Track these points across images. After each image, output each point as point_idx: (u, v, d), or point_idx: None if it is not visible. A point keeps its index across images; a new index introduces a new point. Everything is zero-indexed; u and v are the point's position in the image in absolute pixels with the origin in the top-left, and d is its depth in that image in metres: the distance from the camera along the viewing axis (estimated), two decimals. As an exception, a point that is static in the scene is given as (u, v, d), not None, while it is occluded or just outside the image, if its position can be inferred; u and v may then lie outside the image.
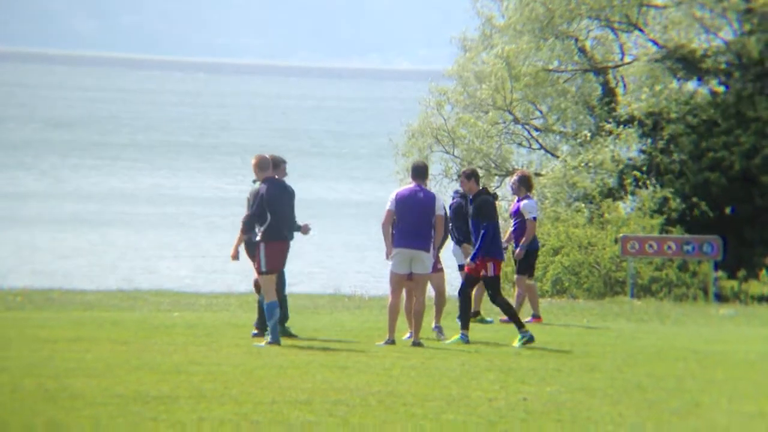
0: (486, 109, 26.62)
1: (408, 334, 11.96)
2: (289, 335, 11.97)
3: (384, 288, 23.50)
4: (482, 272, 11.75)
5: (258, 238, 11.28)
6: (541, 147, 27.40)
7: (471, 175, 11.92)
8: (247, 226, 11.34)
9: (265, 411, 7.90)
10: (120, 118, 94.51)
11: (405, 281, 11.61)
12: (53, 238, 35.66)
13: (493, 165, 26.75)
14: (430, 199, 11.36)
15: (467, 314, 11.91)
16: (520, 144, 27.20)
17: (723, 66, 25.99)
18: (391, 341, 11.56)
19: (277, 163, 11.84)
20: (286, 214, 11.36)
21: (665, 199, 24.48)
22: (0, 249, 32.64)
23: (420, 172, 11.47)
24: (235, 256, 11.52)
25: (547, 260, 22.31)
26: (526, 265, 14.05)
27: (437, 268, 12.19)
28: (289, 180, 12.02)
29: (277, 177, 11.66)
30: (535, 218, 13.93)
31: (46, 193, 47.92)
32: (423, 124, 26.26)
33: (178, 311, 15.09)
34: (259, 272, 11.37)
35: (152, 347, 11.10)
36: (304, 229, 11.74)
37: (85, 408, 7.87)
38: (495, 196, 11.97)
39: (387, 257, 11.53)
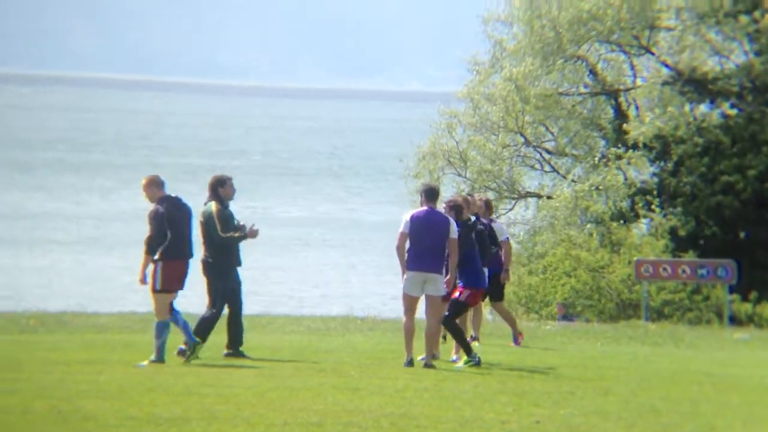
0: (497, 131, 26.65)
1: (423, 357, 11.93)
2: (243, 357, 11.95)
3: (397, 310, 23.41)
4: (455, 294, 11.73)
5: (156, 257, 11.26)
6: (553, 169, 27.39)
7: (453, 207, 11.95)
8: (151, 248, 11.32)
9: (277, 433, 7.86)
10: (127, 139, 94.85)
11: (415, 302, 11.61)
12: (75, 260, 35.68)
13: (504, 187, 26.75)
14: (444, 222, 11.41)
15: (464, 339, 11.90)
16: (531, 167, 27.20)
17: (735, 88, 25.97)
18: (409, 361, 11.52)
19: (223, 182, 11.94)
20: (185, 233, 11.39)
21: (677, 224, 24.43)
22: (18, 272, 32.70)
23: (432, 195, 11.54)
24: (143, 280, 11.42)
25: (558, 284, 22.26)
26: (501, 290, 13.97)
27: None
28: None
29: (225, 196, 11.83)
30: (507, 239, 13.87)
31: (64, 215, 48.02)
32: (434, 146, 26.31)
33: (189, 333, 15.03)
34: (153, 290, 11.31)
35: (164, 369, 11.07)
36: (251, 233, 11.74)
37: (97, 430, 7.85)
38: (468, 220, 11.97)
39: (402, 278, 11.57)
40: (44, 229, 43.22)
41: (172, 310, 11.53)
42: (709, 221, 24.78)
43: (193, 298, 12.36)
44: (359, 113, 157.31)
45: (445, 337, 12.57)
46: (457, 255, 11.49)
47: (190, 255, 11.46)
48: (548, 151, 27.51)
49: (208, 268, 11.85)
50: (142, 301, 27.33)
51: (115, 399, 9.08)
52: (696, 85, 25.94)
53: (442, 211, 11.79)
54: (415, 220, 11.35)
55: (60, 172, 65.93)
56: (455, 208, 11.94)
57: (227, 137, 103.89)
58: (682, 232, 24.21)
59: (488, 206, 13.95)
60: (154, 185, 11.41)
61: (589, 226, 24.83)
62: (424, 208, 11.44)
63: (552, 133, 27.30)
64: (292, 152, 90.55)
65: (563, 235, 24.23)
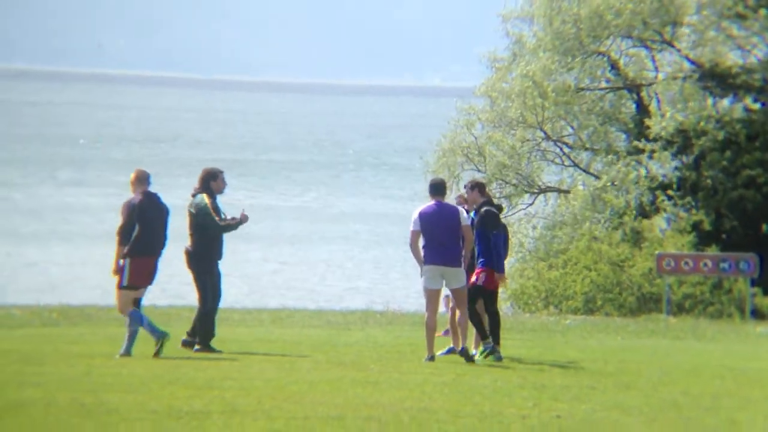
0: (515, 126, 26.59)
1: (445, 349, 11.92)
2: (214, 351, 11.92)
3: (415, 303, 23.43)
4: (472, 279, 11.72)
5: (124, 252, 11.28)
6: (573, 164, 27.30)
7: (474, 186, 11.90)
8: (123, 238, 11.31)
9: (297, 427, 7.90)
10: (162, 136, 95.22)
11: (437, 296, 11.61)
12: (104, 254, 35.82)
13: (524, 182, 26.68)
14: (454, 212, 11.43)
15: (482, 326, 11.88)
16: (552, 161, 27.12)
17: (757, 83, 25.80)
18: (431, 357, 11.53)
19: (215, 175, 11.91)
20: (157, 230, 11.37)
21: (700, 218, 24.30)
22: (49, 265, 32.93)
23: (439, 188, 11.55)
24: (116, 271, 11.41)
25: (578, 278, 22.19)
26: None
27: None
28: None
29: (215, 189, 11.80)
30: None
31: (99, 208, 48.29)
32: (453, 143, 26.28)
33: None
34: (119, 286, 11.35)
35: (186, 362, 11.13)
36: (243, 217, 11.77)
37: (120, 423, 7.91)
38: (499, 208, 11.95)
39: (420, 274, 11.58)
40: (85, 224, 43.42)
41: (138, 306, 11.52)
42: (730, 215, 24.65)
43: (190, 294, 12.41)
44: (388, 108, 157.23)
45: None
46: (471, 242, 11.47)
47: (160, 252, 11.45)
48: (568, 146, 27.43)
49: (195, 260, 11.78)
50: (162, 294, 27.50)
51: (137, 392, 9.14)
52: (718, 80, 25.80)
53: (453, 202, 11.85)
54: (424, 216, 11.37)
55: (101, 167, 66.00)
56: (478, 186, 11.86)
57: (255, 132, 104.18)
58: (705, 227, 24.09)
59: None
60: (139, 180, 11.46)
61: (608, 220, 24.75)
62: (432, 202, 11.45)
63: (572, 128, 27.21)
64: (325, 146, 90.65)
65: (583, 230, 24.16)
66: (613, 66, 27.22)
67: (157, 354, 11.43)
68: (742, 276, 20.70)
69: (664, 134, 25.18)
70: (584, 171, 26.88)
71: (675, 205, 25.01)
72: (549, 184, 27.13)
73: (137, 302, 11.53)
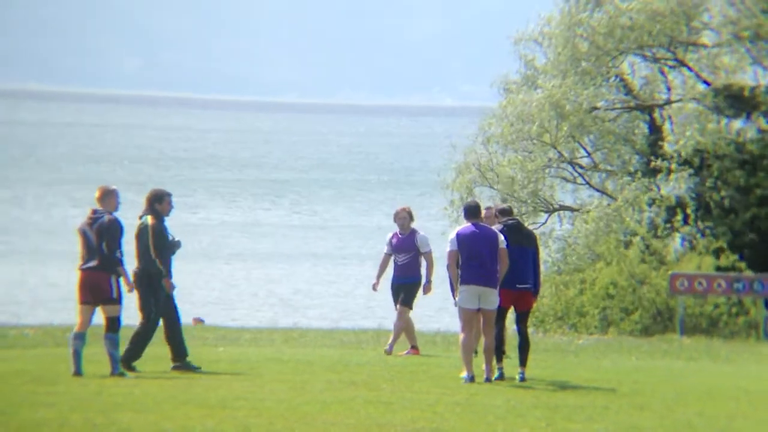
0: (530, 148, 26.60)
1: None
2: (192, 368, 11.90)
3: (429, 322, 23.34)
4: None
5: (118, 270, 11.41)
6: (587, 183, 27.28)
7: (499, 213, 12.04)
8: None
9: (310, 447, 7.85)
10: (169, 155, 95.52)
11: (475, 316, 11.59)
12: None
13: (539, 201, 26.67)
14: (492, 235, 11.54)
15: (500, 349, 11.88)
16: (566, 180, 27.11)
17: (772, 103, 25.77)
18: (471, 377, 11.52)
19: (161, 197, 12.01)
20: (92, 246, 11.44)
21: (716, 238, 24.23)
22: (57, 286, 33.01)
23: (474, 211, 11.66)
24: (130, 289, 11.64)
25: (595, 296, 22.10)
26: (412, 297, 13.94)
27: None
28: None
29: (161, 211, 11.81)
30: (430, 251, 13.85)
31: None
32: (468, 161, 26.33)
33: (222, 346, 15.13)
34: (118, 300, 11.49)
35: (198, 382, 11.12)
36: (167, 285, 11.91)
37: (131, 442, 7.88)
38: (514, 225, 11.86)
39: (453, 296, 11.63)
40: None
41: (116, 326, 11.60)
42: (745, 235, 24.57)
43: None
44: (401, 129, 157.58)
45: (476, 352, 12.56)
46: (507, 264, 11.54)
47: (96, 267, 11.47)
48: (581, 167, 27.43)
49: (141, 281, 11.85)
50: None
51: (149, 412, 9.13)
52: (732, 100, 25.77)
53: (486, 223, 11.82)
54: (462, 237, 11.48)
55: (121, 187, 66.01)
56: (502, 212, 11.93)
57: (267, 151, 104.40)
58: (723, 247, 23.99)
59: (411, 216, 13.91)
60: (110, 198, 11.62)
61: (626, 238, 24.69)
62: (469, 224, 11.54)
63: (585, 149, 27.22)
64: (338, 165, 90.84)
65: (600, 249, 24.10)
66: (627, 87, 27.23)
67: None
68: (756, 296, 20.57)
69: (683, 153, 25.13)
70: (599, 191, 26.86)
71: (688, 224, 24.94)
72: (562, 203, 27.11)
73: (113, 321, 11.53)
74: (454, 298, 11.70)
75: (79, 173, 74.62)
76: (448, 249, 11.49)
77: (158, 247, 11.80)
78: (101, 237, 11.41)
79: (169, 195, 12.07)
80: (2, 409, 9.22)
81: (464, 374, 11.63)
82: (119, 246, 11.46)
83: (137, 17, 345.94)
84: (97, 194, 11.68)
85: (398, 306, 13.98)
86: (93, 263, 11.43)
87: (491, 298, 11.44)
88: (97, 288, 11.40)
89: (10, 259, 38.80)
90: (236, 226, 51.39)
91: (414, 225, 13.92)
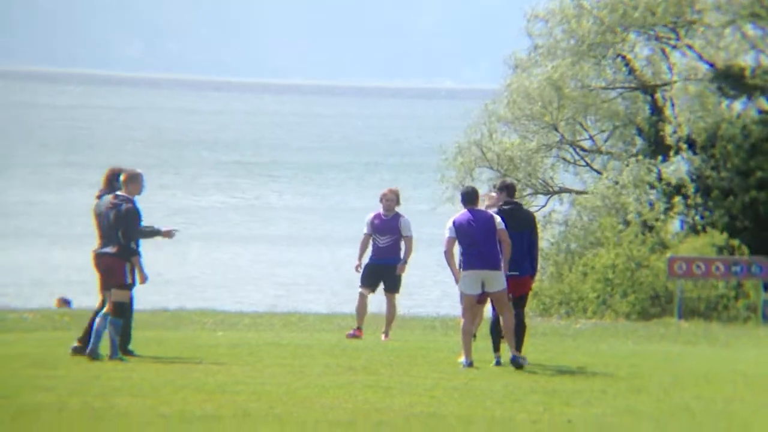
0: (532, 129, 26.54)
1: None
2: (133, 354, 11.76)
3: (427, 307, 23.32)
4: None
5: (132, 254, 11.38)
6: (588, 165, 27.23)
7: (503, 188, 11.96)
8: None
9: (308, 431, 7.89)
10: (186, 138, 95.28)
11: (476, 302, 11.59)
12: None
13: (539, 184, 26.63)
14: (489, 217, 11.53)
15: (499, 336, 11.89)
16: (567, 161, 27.06)
17: (773, 85, 25.67)
18: (470, 363, 11.52)
19: (120, 175, 11.69)
20: (110, 232, 11.45)
21: (715, 220, 24.21)
22: (58, 268, 32.99)
23: (471, 197, 11.65)
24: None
25: (594, 279, 22.11)
26: (398, 282, 13.92)
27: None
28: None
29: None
30: (411, 236, 13.84)
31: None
32: (470, 141, 26.28)
33: (222, 331, 15.16)
34: (130, 286, 11.48)
35: (197, 367, 11.15)
36: (166, 233, 11.79)
37: (130, 427, 7.93)
38: (512, 208, 11.81)
39: (456, 282, 11.62)
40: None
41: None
42: (744, 218, 24.53)
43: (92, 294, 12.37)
44: (409, 110, 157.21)
45: (475, 335, 12.58)
46: (509, 245, 11.54)
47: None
48: (582, 149, 27.37)
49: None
50: (173, 298, 27.54)
51: (147, 396, 9.16)
52: (733, 81, 25.67)
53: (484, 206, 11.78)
54: (459, 223, 11.48)
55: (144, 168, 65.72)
56: (506, 187, 11.86)
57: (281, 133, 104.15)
58: (721, 230, 23.96)
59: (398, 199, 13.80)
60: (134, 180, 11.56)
61: (626, 218, 24.65)
62: (465, 210, 11.54)
63: (587, 131, 27.15)
64: (347, 147, 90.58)
65: (598, 233, 24.09)
66: (629, 67, 27.14)
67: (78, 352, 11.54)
68: (754, 279, 20.59)
69: (684, 135, 25.07)
70: (600, 173, 26.80)
71: (688, 206, 24.91)
72: (563, 186, 27.09)
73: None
74: (457, 283, 11.71)
75: (84, 155, 74.43)
76: (446, 236, 11.47)
77: (127, 230, 11.51)
78: (118, 225, 11.34)
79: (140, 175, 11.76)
80: (2, 392, 9.25)
81: (462, 359, 11.64)
82: (136, 235, 11.36)
83: (140, 2, 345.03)
84: (122, 177, 11.52)
85: (386, 293, 13.93)
86: (109, 249, 11.40)
87: (496, 280, 11.42)
88: (111, 273, 11.39)
89: (13, 241, 38.80)
90: (243, 209, 51.34)
91: (398, 208, 13.84)
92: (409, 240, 13.81)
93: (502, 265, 11.48)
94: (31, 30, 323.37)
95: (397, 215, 13.84)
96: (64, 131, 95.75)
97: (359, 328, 14.04)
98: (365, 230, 13.84)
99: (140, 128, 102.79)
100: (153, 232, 11.79)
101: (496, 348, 11.86)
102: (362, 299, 14.01)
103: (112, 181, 11.73)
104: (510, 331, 11.55)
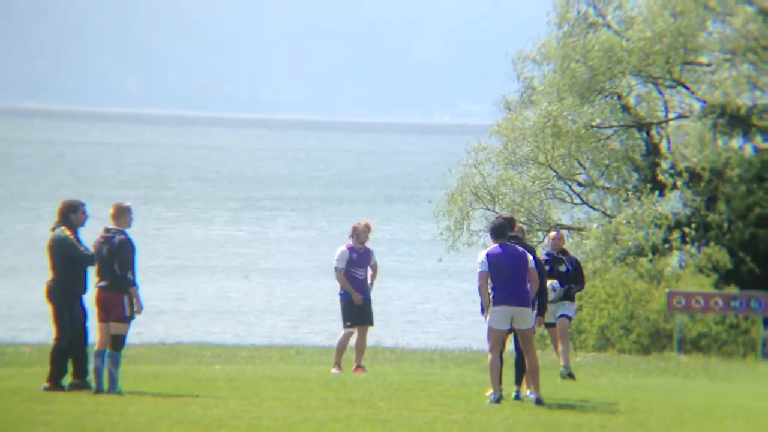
0: (527, 166, 26.59)
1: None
2: (89, 387, 11.64)
3: (425, 341, 23.18)
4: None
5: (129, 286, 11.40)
6: (584, 202, 27.27)
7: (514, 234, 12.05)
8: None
9: (305, 465, 7.81)
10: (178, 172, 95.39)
11: (503, 336, 11.55)
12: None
13: (535, 221, 26.64)
14: (521, 254, 11.56)
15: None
16: (563, 200, 27.09)
17: (768, 123, 25.80)
18: (498, 398, 11.46)
19: (75, 207, 11.65)
20: (105, 265, 11.44)
21: (714, 256, 24.22)
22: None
23: (501, 232, 11.65)
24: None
25: (593, 313, 22.07)
26: (372, 314, 14.03)
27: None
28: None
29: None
30: (336, 268, 13.83)
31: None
32: (462, 183, 26.26)
33: (219, 364, 15.08)
34: (128, 319, 11.46)
35: (193, 401, 11.08)
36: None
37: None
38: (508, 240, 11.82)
39: (485, 316, 11.63)
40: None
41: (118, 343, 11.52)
42: (743, 254, 24.55)
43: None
44: (402, 146, 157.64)
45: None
46: (537, 284, 11.60)
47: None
48: (579, 184, 27.44)
49: (55, 294, 11.58)
50: (171, 331, 27.42)
51: (144, 431, 9.07)
52: (729, 119, 25.80)
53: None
54: (492, 258, 11.48)
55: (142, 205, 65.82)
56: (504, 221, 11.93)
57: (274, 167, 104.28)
58: (722, 262, 23.96)
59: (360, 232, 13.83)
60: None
61: (624, 257, 24.66)
62: (496, 244, 11.55)
63: (584, 167, 27.23)
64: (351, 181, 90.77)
65: (597, 266, 24.08)
66: (624, 105, 27.27)
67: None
68: (753, 314, 20.55)
69: (675, 170, 25.13)
70: (595, 210, 26.84)
71: (685, 243, 24.92)
72: (560, 222, 27.09)
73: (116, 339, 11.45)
74: (484, 316, 11.65)
75: (84, 191, 74.44)
76: (479, 270, 11.48)
77: (81, 257, 11.45)
78: (112, 257, 11.35)
79: (83, 205, 11.75)
80: (-3, 427, 9.18)
81: (489, 393, 11.56)
82: (132, 266, 11.37)
83: (138, 37, 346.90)
84: (111, 211, 11.57)
85: (365, 326, 13.88)
86: (105, 282, 11.39)
87: (525, 317, 11.41)
88: (110, 306, 11.37)
89: (13, 275, 38.73)
90: (243, 240, 51.30)
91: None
92: (376, 266, 13.93)
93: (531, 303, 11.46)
94: (25, 66, 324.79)
95: (368, 248, 13.88)
96: (66, 167, 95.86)
97: (339, 365, 13.98)
98: (341, 265, 13.75)
99: (140, 164, 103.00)
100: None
101: (518, 382, 11.84)
102: (350, 337, 13.97)
103: (66, 213, 11.69)
104: (535, 372, 11.54)
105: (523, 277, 11.43)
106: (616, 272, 23.49)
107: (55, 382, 11.60)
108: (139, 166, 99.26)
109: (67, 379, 11.68)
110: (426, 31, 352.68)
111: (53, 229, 11.74)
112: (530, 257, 11.57)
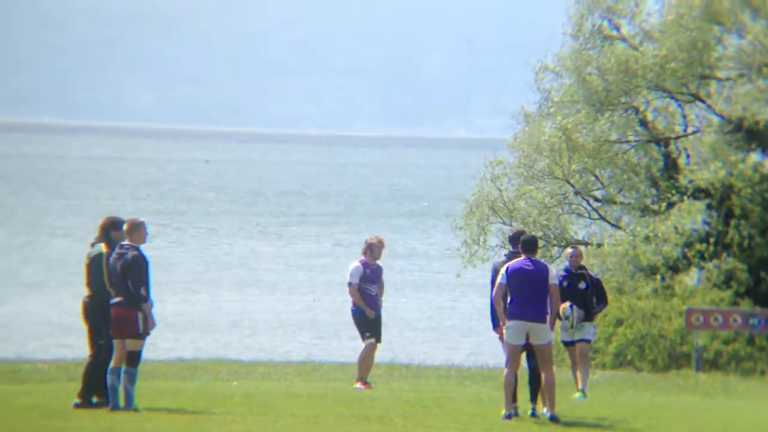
0: (544, 180, 26.51)
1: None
2: (93, 405, 11.58)
3: (439, 357, 23.12)
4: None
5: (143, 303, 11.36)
6: (602, 218, 27.16)
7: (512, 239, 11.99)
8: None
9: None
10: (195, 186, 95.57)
11: (519, 352, 11.49)
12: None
13: (552, 236, 26.55)
14: (543, 269, 11.49)
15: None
16: (580, 215, 26.98)
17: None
18: (511, 414, 11.40)
19: (117, 224, 11.63)
20: (119, 282, 11.42)
21: (732, 272, 24.06)
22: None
23: (530, 246, 11.59)
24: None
25: (610, 331, 21.96)
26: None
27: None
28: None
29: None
30: (350, 283, 13.75)
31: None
32: (479, 197, 26.22)
33: (236, 380, 15.08)
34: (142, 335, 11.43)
35: (210, 417, 11.07)
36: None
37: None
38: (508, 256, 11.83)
39: (496, 331, 11.59)
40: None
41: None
42: (763, 271, 24.39)
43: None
44: (415, 159, 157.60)
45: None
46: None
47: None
48: (596, 199, 27.33)
49: (92, 311, 11.55)
50: (187, 347, 27.42)
51: (161, 447, 9.07)
52: (748, 134, 25.69)
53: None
54: (512, 272, 11.42)
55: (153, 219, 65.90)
56: (515, 239, 11.86)
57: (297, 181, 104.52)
58: (742, 277, 23.81)
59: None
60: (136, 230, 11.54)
61: (639, 274, 24.52)
62: (521, 258, 11.49)
63: (601, 183, 27.12)
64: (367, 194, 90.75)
65: (613, 283, 23.96)
66: (641, 120, 27.19)
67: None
68: (772, 332, 20.39)
69: (694, 185, 25.01)
70: (613, 225, 26.72)
71: (703, 259, 24.78)
72: (577, 238, 27.00)
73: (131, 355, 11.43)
74: (495, 331, 11.58)
75: (104, 205, 74.70)
76: (498, 281, 11.41)
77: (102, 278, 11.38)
78: (126, 274, 11.34)
79: (124, 222, 11.68)
80: (15, 443, 9.19)
81: (504, 411, 11.50)
82: (145, 282, 11.34)
83: (152, 52, 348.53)
84: (125, 227, 11.56)
85: (375, 342, 13.79)
86: (120, 299, 11.37)
87: (542, 333, 11.34)
88: (124, 323, 11.35)
89: (31, 290, 38.88)
90: (266, 256, 51.37)
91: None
92: (382, 284, 13.88)
93: (549, 318, 11.38)
94: (37, 81, 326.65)
95: (378, 264, 13.87)
96: (82, 181, 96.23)
97: (366, 381, 13.94)
98: (355, 280, 13.70)
99: (156, 178, 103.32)
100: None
101: (533, 399, 11.77)
102: (373, 350, 13.93)
103: (107, 230, 11.68)
104: (551, 389, 11.45)
105: (541, 292, 11.33)
106: (632, 288, 23.38)
107: (86, 398, 11.56)
108: (165, 182, 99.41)
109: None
110: (440, 45, 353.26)
111: (92, 244, 11.71)
112: (553, 273, 11.48)
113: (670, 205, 25.45)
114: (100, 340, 11.61)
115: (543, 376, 11.49)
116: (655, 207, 25.82)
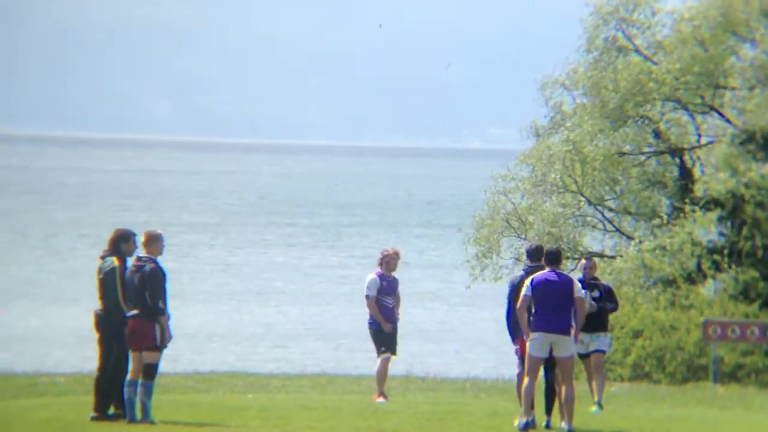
0: (556, 192, 26.46)
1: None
2: (109, 417, 11.58)
3: (456, 370, 23.07)
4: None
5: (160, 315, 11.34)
6: (617, 229, 27.07)
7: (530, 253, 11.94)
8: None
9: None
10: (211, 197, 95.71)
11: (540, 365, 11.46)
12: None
13: (566, 248, 26.48)
14: (568, 282, 11.47)
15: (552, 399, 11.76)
16: (594, 226, 26.90)
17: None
18: (527, 423, 11.39)
19: (127, 237, 11.64)
20: (136, 294, 11.41)
21: (749, 284, 23.94)
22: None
23: (554, 258, 11.59)
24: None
25: (628, 343, 21.87)
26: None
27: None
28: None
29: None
30: (367, 296, 13.71)
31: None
32: (492, 211, 26.15)
33: (252, 393, 15.08)
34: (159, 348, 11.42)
35: (226, 430, 11.06)
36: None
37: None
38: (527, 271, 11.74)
39: (513, 341, 11.57)
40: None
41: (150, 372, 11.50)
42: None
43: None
44: (430, 170, 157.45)
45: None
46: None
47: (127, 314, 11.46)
48: (611, 210, 27.25)
49: (104, 324, 11.53)
50: (205, 359, 27.43)
51: (177, 460, 9.07)
52: (763, 145, 25.59)
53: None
54: (537, 284, 11.41)
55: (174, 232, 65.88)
56: (528, 251, 11.88)
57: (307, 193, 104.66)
58: (760, 287, 23.67)
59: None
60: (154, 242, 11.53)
61: (655, 286, 24.43)
62: (546, 270, 11.47)
63: (615, 192, 27.05)
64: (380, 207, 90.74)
65: (629, 295, 23.86)
66: (655, 130, 27.12)
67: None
68: (790, 343, 20.26)
69: (708, 196, 24.90)
70: (628, 237, 26.63)
71: (719, 270, 24.66)
72: (591, 250, 26.91)
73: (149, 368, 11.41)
74: (514, 344, 11.53)
75: (119, 218, 74.86)
76: (522, 293, 11.38)
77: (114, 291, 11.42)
78: (144, 286, 11.34)
79: (134, 235, 11.70)
80: (32, 456, 9.21)
81: (517, 421, 11.47)
82: (163, 295, 11.32)
83: (167, 63, 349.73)
84: (142, 239, 11.55)
85: (390, 354, 13.72)
86: (137, 311, 11.38)
87: (565, 345, 11.33)
88: (142, 335, 11.35)
89: (48, 304, 38.97)
90: (284, 267, 51.41)
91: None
92: (398, 296, 13.80)
93: (573, 331, 11.36)
94: (47, 92, 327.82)
95: (394, 276, 13.83)
96: (107, 194, 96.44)
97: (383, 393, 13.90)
98: (372, 293, 13.63)
99: (173, 189, 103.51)
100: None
101: (548, 411, 11.73)
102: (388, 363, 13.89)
103: (117, 243, 11.65)
104: (570, 403, 11.41)
105: (565, 305, 11.31)
106: (647, 299, 23.29)
107: (101, 411, 11.55)
108: (190, 195, 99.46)
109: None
110: (455, 56, 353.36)
111: (103, 257, 11.70)
112: (578, 285, 11.47)
113: (685, 216, 25.36)
114: (109, 354, 11.61)
115: (563, 389, 11.45)
116: (668, 217, 25.73)
